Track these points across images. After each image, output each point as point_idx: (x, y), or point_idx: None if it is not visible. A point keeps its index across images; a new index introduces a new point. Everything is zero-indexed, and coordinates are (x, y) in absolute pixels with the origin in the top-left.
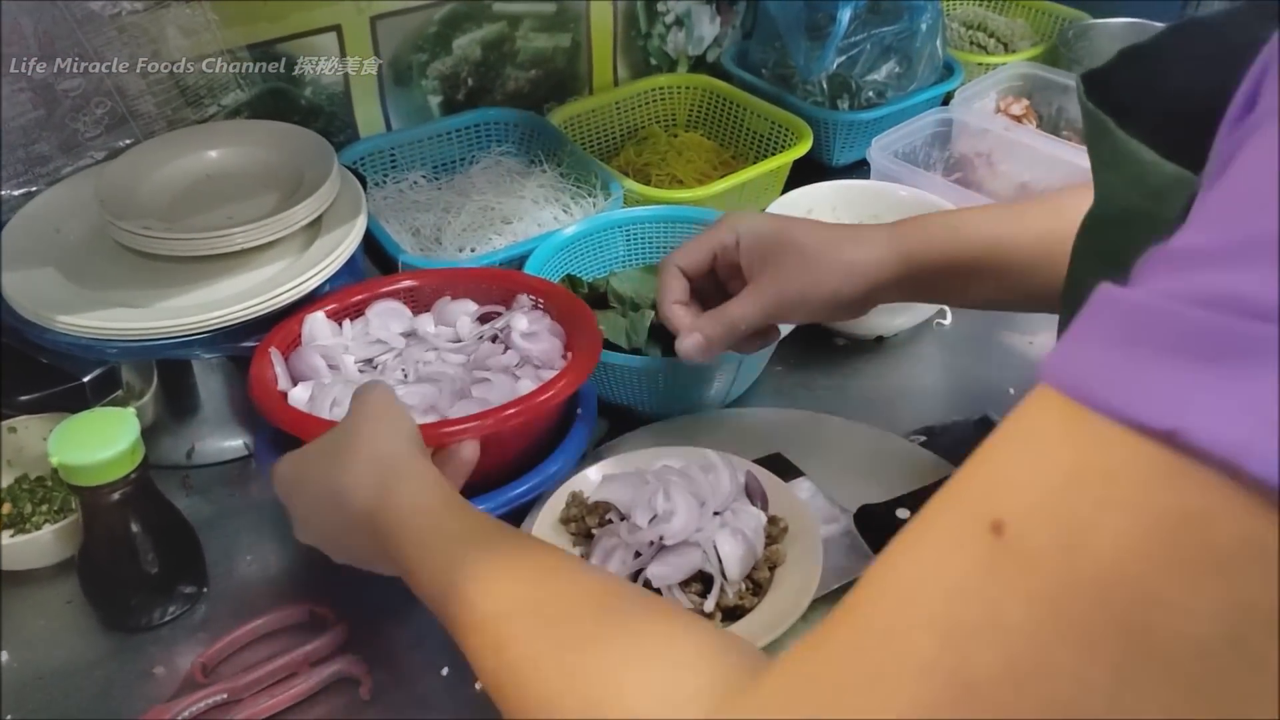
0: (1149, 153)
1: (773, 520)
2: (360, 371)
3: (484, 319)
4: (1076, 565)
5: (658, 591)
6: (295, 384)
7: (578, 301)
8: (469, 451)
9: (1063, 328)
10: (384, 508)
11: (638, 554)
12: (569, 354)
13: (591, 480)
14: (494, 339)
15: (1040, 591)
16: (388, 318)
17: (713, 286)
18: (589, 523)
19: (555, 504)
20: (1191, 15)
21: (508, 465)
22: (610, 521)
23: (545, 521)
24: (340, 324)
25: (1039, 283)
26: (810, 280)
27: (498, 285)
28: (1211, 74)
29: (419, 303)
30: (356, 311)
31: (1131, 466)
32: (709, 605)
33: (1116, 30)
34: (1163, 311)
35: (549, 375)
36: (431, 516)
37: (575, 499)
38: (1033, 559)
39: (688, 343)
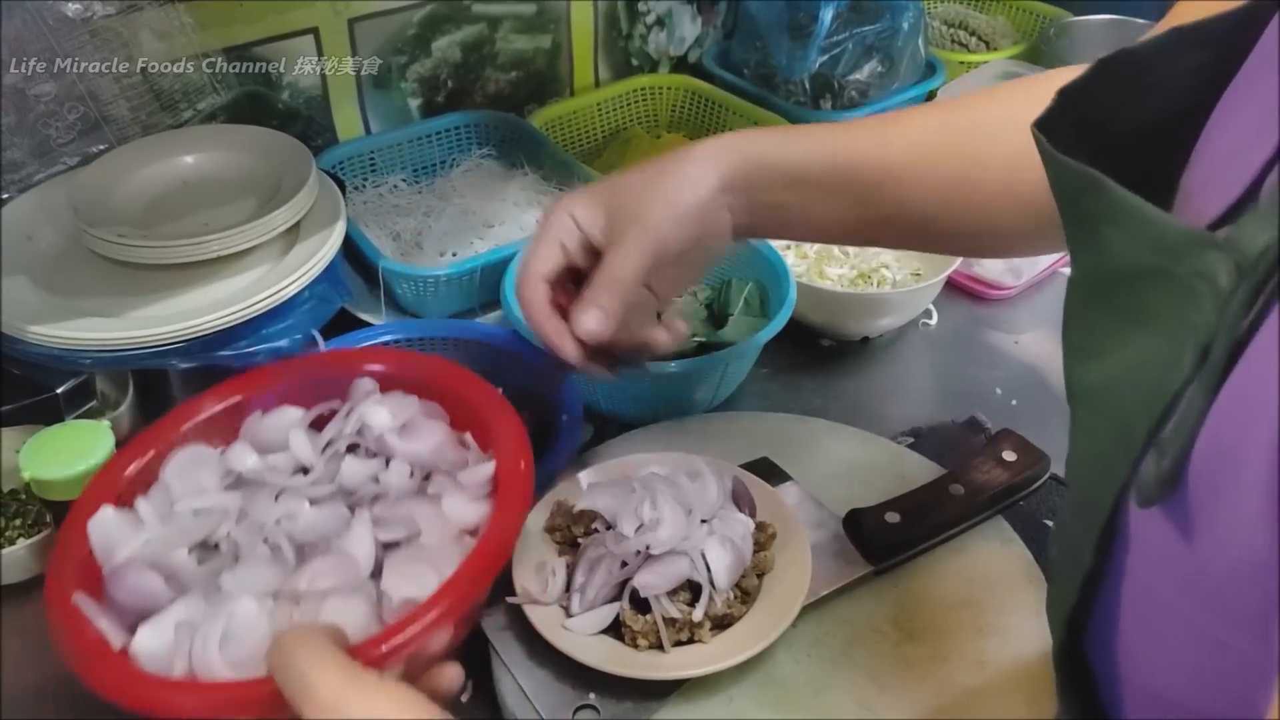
0: (1153, 209)
1: (761, 526)
2: (200, 564)
3: (318, 425)
4: None
5: (645, 601)
6: (132, 630)
7: (433, 360)
8: (451, 680)
9: (1069, 390)
10: None
11: (624, 564)
12: (468, 434)
13: (577, 488)
14: (352, 449)
15: None
16: (193, 471)
17: (567, 296)
18: (574, 532)
19: (540, 513)
20: (1123, 48)
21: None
22: (596, 530)
23: (530, 531)
24: (133, 506)
25: (883, 207)
26: (655, 198)
27: (320, 375)
28: (1147, 103)
29: (219, 432)
30: (143, 482)
31: None
32: (698, 614)
33: (1097, 28)
34: None
35: (470, 477)
36: None
37: (560, 508)
38: None
39: (587, 318)
